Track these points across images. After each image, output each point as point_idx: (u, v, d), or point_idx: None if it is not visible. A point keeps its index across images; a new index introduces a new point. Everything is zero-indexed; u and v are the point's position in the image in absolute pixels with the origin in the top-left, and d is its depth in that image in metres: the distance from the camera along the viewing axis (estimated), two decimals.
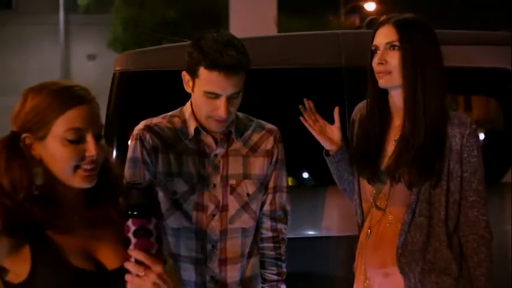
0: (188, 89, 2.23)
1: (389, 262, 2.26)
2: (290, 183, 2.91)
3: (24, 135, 1.59)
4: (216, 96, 2.15)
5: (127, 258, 1.55)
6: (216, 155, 2.28)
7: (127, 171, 2.29)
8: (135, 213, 1.54)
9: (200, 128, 2.26)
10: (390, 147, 2.30)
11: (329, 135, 2.39)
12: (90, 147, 1.58)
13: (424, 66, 2.21)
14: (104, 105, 2.94)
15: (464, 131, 2.22)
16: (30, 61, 23.09)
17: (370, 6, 20.45)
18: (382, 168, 2.29)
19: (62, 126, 1.57)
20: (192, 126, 2.27)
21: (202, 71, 2.13)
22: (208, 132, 2.27)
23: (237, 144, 2.30)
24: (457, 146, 2.22)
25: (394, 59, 2.23)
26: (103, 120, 2.85)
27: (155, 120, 2.32)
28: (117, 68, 2.96)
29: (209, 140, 2.28)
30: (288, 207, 2.39)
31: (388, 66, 2.24)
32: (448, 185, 2.23)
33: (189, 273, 2.28)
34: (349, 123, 2.48)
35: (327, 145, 2.40)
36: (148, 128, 2.28)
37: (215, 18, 11.66)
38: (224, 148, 2.29)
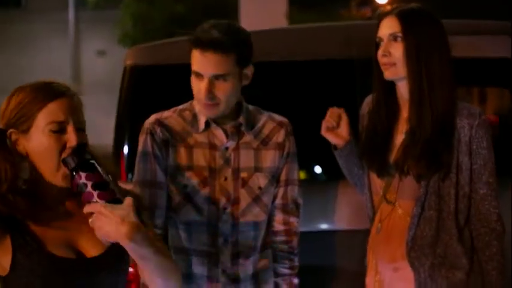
0: None
1: (399, 256, 2.25)
2: (302, 177, 2.91)
3: (10, 130, 1.66)
4: (200, 77, 2.16)
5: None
6: (227, 148, 2.27)
7: (138, 166, 2.30)
8: (88, 170, 1.60)
9: (210, 121, 2.26)
10: (398, 140, 2.28)
11: (336, 130, 2.37)
12: (71, 137, 1.64)
13: (429, 57, 2.18)
14: (115, 100, 2.95)
15: (473, 122, 2.19)
16: (40, 59, 23.17)
17: None
18: (390, 161, 2.27)
19: (44, 119, 1.65)
20: (202, 119, 2.26)
21: (192, 52, 2.18)
22: (218, 124, 2.26)
23: (247, 137, 2.29)
24: (465, 137, 2.19)
25: (397, 50, 2.20)
26: (114, 114, 2.89)
27: (165, 114, 2.32)
28: (128, 62, 2.96)
29: (219, 132, 2.27)
30: (300, 200, 2.38)
31: (392, 58, 2.21)
32: (457, 178, 2.20)
33: (200, 267, 2.27)
34: (359, 117, 2.46)
35: (333, 140, 2.39)
36: (159, 122, 2.29)
37: (224, 12, 11.64)
38: (235, 141, 2.28)
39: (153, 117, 2.31)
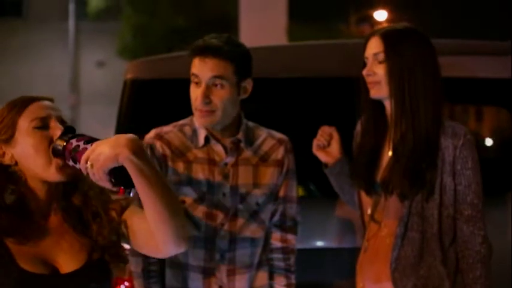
0: None
1: (384, 277, 2.24)
2: (299, 194, 2.91)
3: None
4: (198, 83, 2.19)
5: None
6: (226, 164, 2.28)
7: None
8: (77, 136, 1.60)
9: (210, 136, 2.27)
10: (386, 159, 2.28)
11: (327, 148, 2.39)
12: (56, 129, 1.64)
13: (412, 76, 2.19)
14: (114, 112, 2.95)
15: (457, 142, 2.18)
16: (39, 69, 23.19)
17: (380, 15, 20.43)
18: (378, 180, 2.28)
19: (25, 120, 1.66)
20: (202, 134, 2.27)
21: (192, 62, 2.22)
22: (218, 140, 2.27)
23: (246, 153, 2.30)
24: (449, 157, 2.18)
25: (381, 70, 2.23)
26: (112, 125, 2.88)
27: (166, 128, 2.33)
28: (129, 76, 2.96)
29: (219, 148, 2.28)
30: (298, 218, 2.39)
31: (376, 77, 2.24)
32: (441, 199, 2.19)
33: (197, 282, 2.27)
34: (354, 135, 2.48)
35: (323, 158, 2.40)
36: (159, 137, 2.30)
37: (225, 26, 11.69)
38: (234, 157, 2.28)
39: (153, 132, 2.32)
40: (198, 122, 2.24)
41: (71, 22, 22.92)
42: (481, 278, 2.17)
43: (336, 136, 2.38)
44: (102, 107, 21.92)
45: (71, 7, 22.72)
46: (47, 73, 23.29)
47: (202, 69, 2.19)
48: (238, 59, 2.22)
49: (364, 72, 2.27)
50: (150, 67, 3.04)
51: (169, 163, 2.28)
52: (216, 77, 2.18)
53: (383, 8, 20.17)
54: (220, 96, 2.19)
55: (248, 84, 2.26)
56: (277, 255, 2.35)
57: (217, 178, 2.27)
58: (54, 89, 23.22)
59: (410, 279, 2.19)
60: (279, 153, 2.33)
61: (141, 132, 2.33)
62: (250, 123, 2.35)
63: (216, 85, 2.19)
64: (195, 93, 2.21)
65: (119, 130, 2.89)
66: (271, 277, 2.35)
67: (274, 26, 9.54)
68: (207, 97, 2.18)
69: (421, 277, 2.19)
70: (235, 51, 2.22)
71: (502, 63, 3.02)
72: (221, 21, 14.95)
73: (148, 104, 2.94)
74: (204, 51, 2.19)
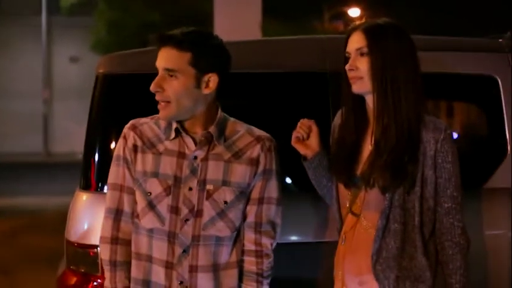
0: None
1: (364, 269, 2.25)
2: None
3: None
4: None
5: None
6: (195, 158, 2.24)
7: (111, 168, 2.33)
8: None
9: (180, 129, 2.24)
10: (366, 152, 2.29)
11: (306, 141, 2.39)
12: None
13: (395, 71, 2.20)
14: (87, 107, 2.91)
15: (439, 136, 2.21)
16: (12, 63, 22.92)
17: (354, 12, 20.53)
18: (358, 173, 2.29)
19: None
20: (173, 126, 2.25)
21: None
22: (188, 133, 2.25)
23: (219, 148, 2.25)
24: (431, 151, 2.21)
25: (364, 65, 2.23)
26: (86, 121, 2.85)
27: (143, 120, 2.33)
28: (100, 71, 2.93)
29: (189, 140, 2.25)
30: (278, 221, 2.32)
31: (359, 72, 2.24)
32: (422, 191, 2.21)
33: (159, 275, 2.24)
34: (331, 129, 2.47)
35: (302, 151, 2.40)
36: (134, 127, 2.31)
37: (199, 21, 11.63)
38: (204, 151, 2.24)
39: (130, 122, 2.34)
40: (159, 111, 2.23)
41: (44, 17, 22.68)
42: (461, 268, 2.21)
43: (315, 129, 2.38)
44: (76, 102, 21.75)
45: (44, 1, 22.47)
46: (20, 68, 23.03)
47: (158, 59, 2.20)
48: (198, 49, 2.17)
49: (347, 67, 2.27)
50: (122, 62, 3.01)
51: (139, 154, 2.27)
52: (168, 68, 2.17)
53: (356, 5, 20.27)
54: (173, 87, 2.17)
55: (212, 79, 2.20)
56: (249, 258, 2.29)
57: (185, 171, 2.23)
58: (27, 84, 23.02)
59: (393, 271, 2.20)
60: (255, 151, 2.27)
61: (113, 127, 2.32)
62: (231, 119, 2.32)
63: (170, 75, 2.18)
64: None
65: (91, 125, 2.86)
66: (240, 279, 2.29)
67: (248, 22, 9.52)
68: (159, 86, 2.17)
69: (403, 268, 2.21)
70: (196, 41, 2.17)
71: (475, 59, 3.05)
72: (196, 16, 14.89)
73: (120, 98, 2.90)
74: (162, 41, 2.19)
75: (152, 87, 2.19)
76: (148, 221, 2.25)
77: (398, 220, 2.21)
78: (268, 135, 2.32)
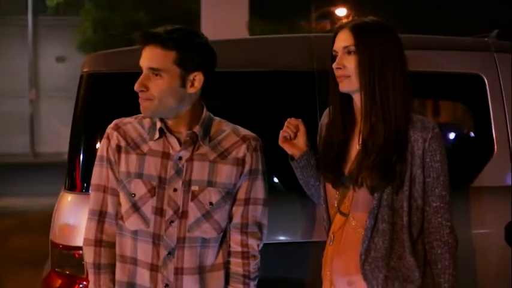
0: None
1: (353, 269, 2.24)
2: None
3: None
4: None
5: None
6: (180, 158, 2.20)
7: (94, 169, 2.29)
8: None
9: (164, 129, 2.21)
10: (354, 152, 2.28)
11: (294, 141, 2.37)
12: None
13: (382, 69, 2.19)
14: (72, 107, 2.88)
15: (427, 135, 2.19)
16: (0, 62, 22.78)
17: (341, 12, 20.57)
18: (346, 172, 2.27)
19: None
20: (158, 126, 2.22)
21: None
22: (172, 133, 2.22)
23: (204, 148, 2.22)
24: (419, 150, 2.19)
25: (351, 63, 2.21)
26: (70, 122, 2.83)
27: (126, 120, 2.30)
28: (85, 70, 2.90)
29: (173, 141, 2.21)
30: (264, 222, 2.30)
31: (346, 71, 2.22)
32: (410, 191, 2.20)
33: (143, 278, 2.21)
34: (318, 128, 2.46)
35: (290, 150, 2.38)
36: (117, 127, 2.27)
37: (187, 20, 11.61)
38: (189, 151, 2.21)
39: (113, 122, 2.30)
40: (141, 109, 2.19)
41: (30, 16, 22.56)
42: (450, 268, 2.20)
43: (302, 128, 2.37)
44: (63, 102, 21.65)
45: (29, 1, 22.35)
46: (6, 68, 22.89)
47: (142, 58, 2.16)
48: (183, 48, 2.13)
49: (334, 65, 2.25)
50: (106, 61, 2.98)
51: (123, 154, 2.24)
52: (152, 67, 2.13)
53: (343, 5, 20.31)
54: (157, 85, 2.14)
55: (197, 77, 2.17)
56: (235, 260, 2.27)
57: (170, 172, 2.20)
58: (13, 84, 22.88)
59: (381, 271, 2.19)
60: (240, 151, 2.23)
61: (98, 127, 2.29)
62: (217, 118, 2.29)
63: (154, 74, 2.14)
64: None
65: (75, 125, 2.83)
66: (226, 281, 2.27)
67: (235, 20, 9.51)
68: (142, 84, 2.14)
69: (391, 268, 2.19)
70: (181, 40, 2.13)
71: (462, 58, 3.05)
72: (183, 15, 14.86)
73: (105, 98, 2.87)
74: (146, 39, 2.14)
75: (136, 87, 2.15)
76: (132, 222, 2.21)
77: (386, 220, 2.19)
78: (254, 134, 2.29)
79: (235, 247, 2.26)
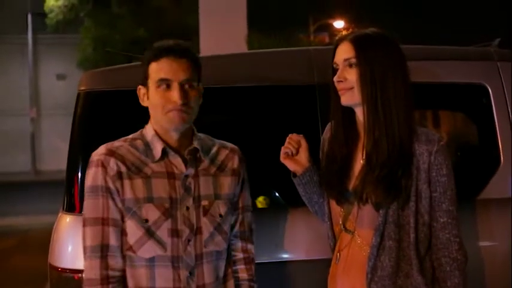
0: (144, 102, 2.19)
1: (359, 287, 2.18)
2: (264, 205, 2.83)
3: None
4: (169, 85, 2.11)
5: None
6: (186, 176, 2.17)
7: (87, 202, 2.15)
8: None
9: (168, 149, 2.17)
10: (357, 167, 2.23)
11: (295, 157, 2.32)
12: None
13: (384, 81, 2.14)
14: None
15: (432, 148, 2.14)
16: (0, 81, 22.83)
17: (339, 24, 20.61)
18: (350, 188, 2.22)
19: None
20: (158, 147, 2.16)
21: (152, 67, 2.14)
22: (176, 152, 2.17)
23: (205, 163, 2.22)
24: (424, 164, 2.14)
25: (352, 75, 2.17)
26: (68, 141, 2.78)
27: (116, 143, 2.20)
28: (82, 88, 2.86)
29: (177, 160, 2.17)
30: (254, 226, 2.36)
31: (348, 84, 2.18)
32: (416, 206, 2.14)
33: None
34: (321, 143, 2.41)
35: (292, 167, 2.33)
36: (111, 153, 2.16)
37: (185, 36, 11.62)
38: (194, 168, 2.19)
39: (103, 148, 2.18)
40: (175, 123, 2.13)
41: (30, 35, 22.63)
42: (459, 285, 2.14)
43: (304, 144, 2.33)
44: (64, 120, 21.63)
45: (30, 19, 22.43)
46: (7, 86, 22.94)
47: (173, 69, 2.11)
48: (198, 62, 2.19)
49: (335, 78, 2.20)
50: (103, 78, 2.94)
51: (126, 180, 2.13)
52: (188, 78, 2.12)
53: (341, 17, 20.36)
54: (194, 96, 2.15)
55: (202, 88, 2.22)
56: (240, 266, 2.30)
57: (179, 192, 2.16)
58: (14, 103, 22.91)
59: None
60: (235, 162, 2.28)
61: (95, 145, 2.24)
62: (202, 134, 2.28)
63: (189, 86, 2.13)
64: (166, 95, 2.11)
65: (73, 144, 2.78)
66: None
67: (234, 35, 9.50)
68: (185, 97, 2.11)
69: (398, 287, 2.14)
70: (194, 53, 2.20)
71: (465, 68, 3.01)
72: (181, 31, 14.88)
73: (102, 116, 2.83)
74: (172, 52, 2.12)
75: (181, 101, 2.10)
76: (147, 250, 2.12)
77: (392, 237, 2.14)
78: (236, 146, 2.33)
79: (238, 254, 2.31)
